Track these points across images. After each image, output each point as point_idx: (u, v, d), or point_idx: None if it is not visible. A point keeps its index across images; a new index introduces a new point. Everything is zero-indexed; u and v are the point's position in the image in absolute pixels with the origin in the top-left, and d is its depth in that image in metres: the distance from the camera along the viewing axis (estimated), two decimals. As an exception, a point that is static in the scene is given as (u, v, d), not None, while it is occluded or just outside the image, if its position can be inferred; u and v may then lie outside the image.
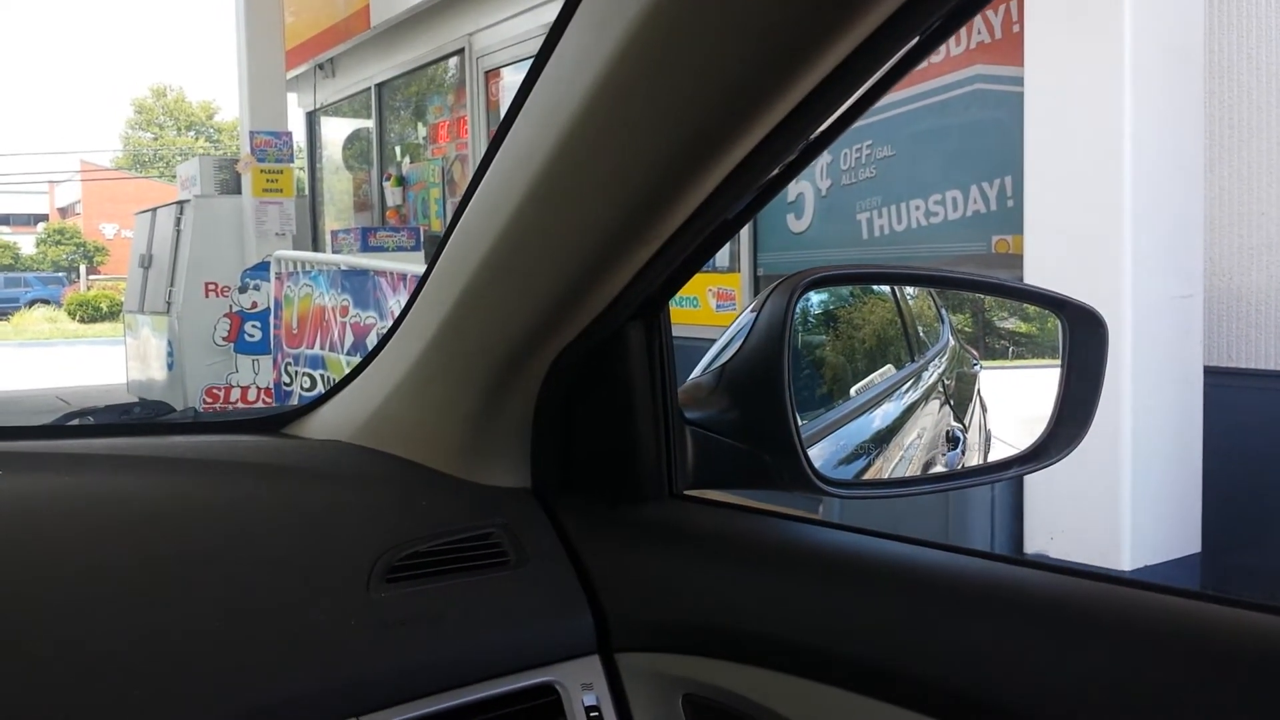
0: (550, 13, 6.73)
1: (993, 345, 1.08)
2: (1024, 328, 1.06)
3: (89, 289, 32.97)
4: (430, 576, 0.77)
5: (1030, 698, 0.61)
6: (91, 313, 28.49)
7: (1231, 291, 3.78)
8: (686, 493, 0.87)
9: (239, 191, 8.84)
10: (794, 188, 5.21)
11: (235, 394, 7.45)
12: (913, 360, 1.02)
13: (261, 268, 7.38)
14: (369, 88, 9.98)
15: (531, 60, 0.71)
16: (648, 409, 0.85)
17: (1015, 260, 3.89)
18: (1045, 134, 3.58)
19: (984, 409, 1.04)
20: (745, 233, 5.51)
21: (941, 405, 1.04)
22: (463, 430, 0.89)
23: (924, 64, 0.68)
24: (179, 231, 8.85)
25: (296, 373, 6.63)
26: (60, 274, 40.29)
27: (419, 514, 0.85)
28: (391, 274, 5.90)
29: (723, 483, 0.89)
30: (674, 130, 0.65)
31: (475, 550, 0.80)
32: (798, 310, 0.82)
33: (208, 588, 0.73)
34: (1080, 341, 0.94)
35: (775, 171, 0.72)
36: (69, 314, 29.27)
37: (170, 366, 8.66)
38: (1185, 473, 3.54)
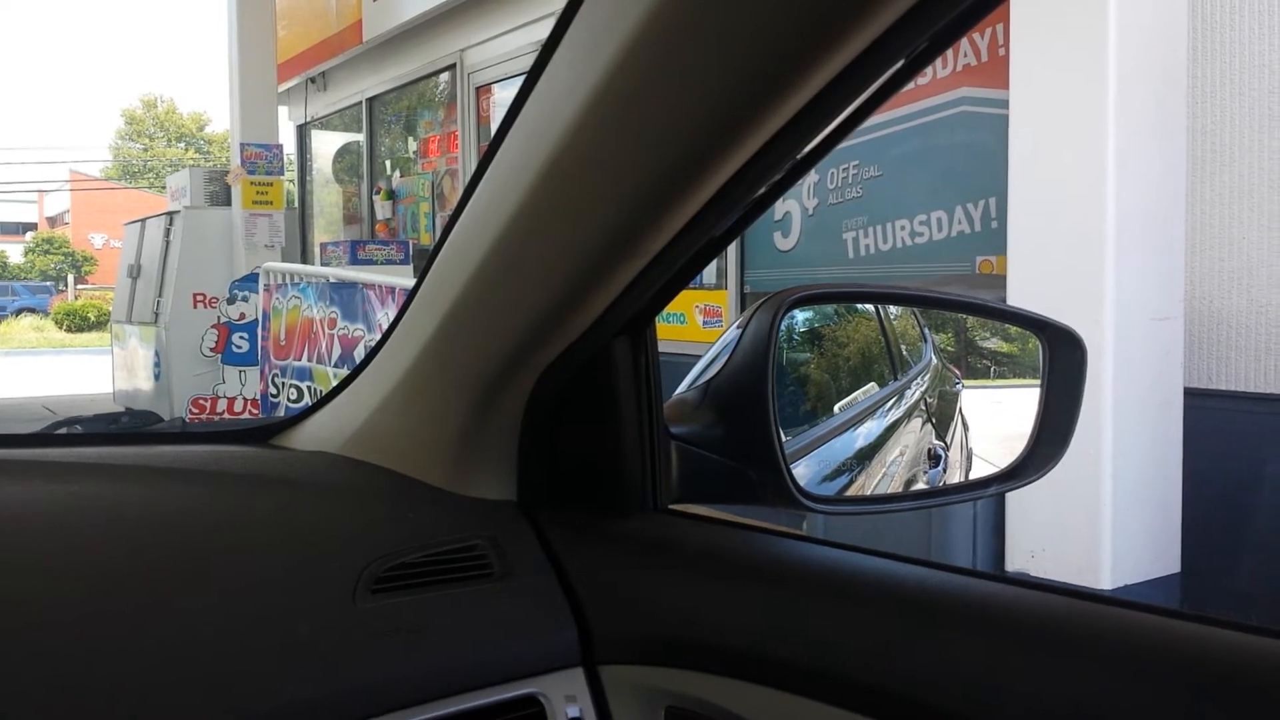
0: (542, 30, 6.76)
1: (974, 364, 1.09)
2: (1005, 348, 1.07)
3: (77, 298, 32.72)
4: (416, 588, 0.77)
5: (1008, 714, 0.62)
6: (79, 322, 28.29)
7: (1212, 314, 3.81)
8: (671, 507, 0.88)
9: (229, 203, 8.84)
10: (781, 206, 5.23)
11: (221, 405, 7.42)
12: (896, 378, 1.03)
13: (250, 279, 7.37)
14: (360, 102, 9.99)
15: (522, 76, 0.72)
16: (633, 424, 0.85)
17: (999, 281, 3.92)
18: (1029, 156, 3.61)
19: (965, 427, 1.05)
20: (732, 250, 5.53)
21: (924, 423, 1.05)
22: (450, 443, 0.90)
23: (911, 85, 0.69)
24: (168, 242, 8.83)
25: (283, 384, 6.61)
26: (48, 283, 40.09)
27: (405, 526, 0.85)
28: (380, 287, 5.90)
29: (707, 498, 0.89)
30: (663, 149, 0.66)
31: (460, 562, 0.80)
32: (783, 328, 0.82)
33: (193, 599, 0.73)
34: (1060, 362, 0.96)
35: (762, 190, 0.73)
36: (56, 323, 29.04)
37: (157, 377, 8.64)
38: (1165, 493, 3.56)
